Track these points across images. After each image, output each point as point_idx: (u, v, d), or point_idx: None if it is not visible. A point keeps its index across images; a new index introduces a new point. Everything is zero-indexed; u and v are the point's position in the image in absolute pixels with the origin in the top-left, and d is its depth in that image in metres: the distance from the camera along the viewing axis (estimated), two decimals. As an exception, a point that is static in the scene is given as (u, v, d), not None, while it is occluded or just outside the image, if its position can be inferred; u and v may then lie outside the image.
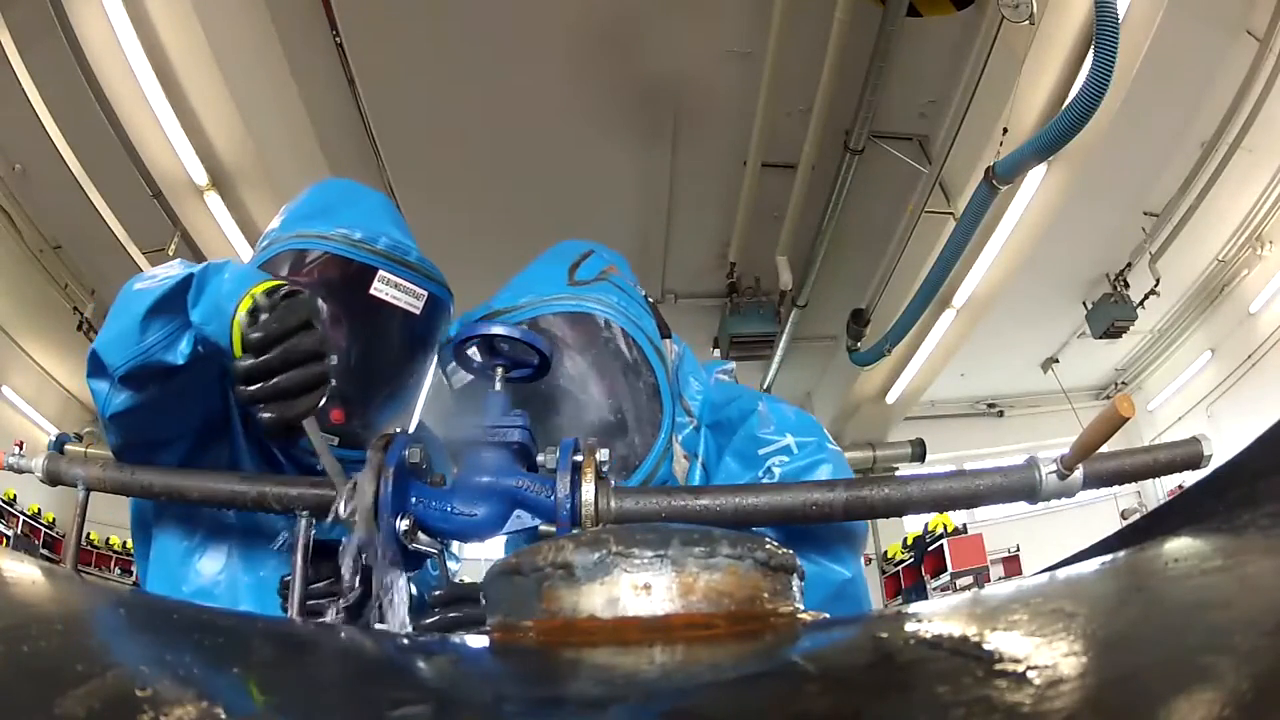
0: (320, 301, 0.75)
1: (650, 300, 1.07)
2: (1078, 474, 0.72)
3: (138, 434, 0.89)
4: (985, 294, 5.36)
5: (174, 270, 0.79)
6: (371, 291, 0.95)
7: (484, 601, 0.43)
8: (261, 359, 0.71)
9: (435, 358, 1.05)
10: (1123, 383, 8.80)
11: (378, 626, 0.73)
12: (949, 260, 4.56)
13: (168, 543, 0.99)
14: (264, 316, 0.71)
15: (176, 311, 0.76)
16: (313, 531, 0.82)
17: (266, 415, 0.72)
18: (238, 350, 0.71)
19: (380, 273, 0.95)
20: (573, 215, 5.52)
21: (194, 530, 0.99)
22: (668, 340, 1.04)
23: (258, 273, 0.76)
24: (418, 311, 0.98)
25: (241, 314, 0.71)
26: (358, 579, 0.73)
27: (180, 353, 0.77)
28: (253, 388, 0.71)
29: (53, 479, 0.96)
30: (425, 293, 0.98)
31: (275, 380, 0.71)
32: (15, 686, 0.25)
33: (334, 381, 0.88)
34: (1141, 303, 6.51)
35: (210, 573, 0.97)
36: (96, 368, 0.82)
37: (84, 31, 3.39)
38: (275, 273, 0.94)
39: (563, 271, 1.02)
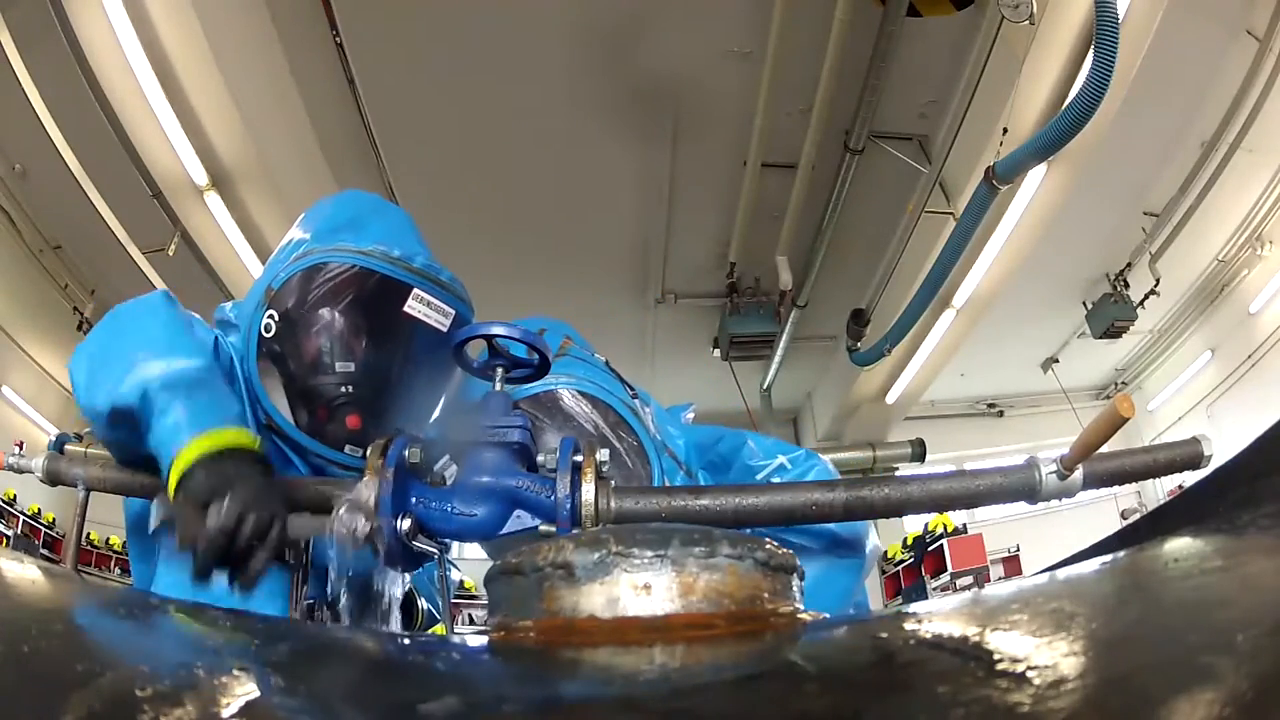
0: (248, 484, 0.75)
1: (609, 364, 1.12)
2: (1078, 474, 0.72)
3: (112, 440, 0.91)
4: (985, 294, 5.36)
5: (134, 330, 0.85)
6: (405, 308, 0.98)
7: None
8: (210, 561, 0.72)
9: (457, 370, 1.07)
10: (1123, 383, 8.79)
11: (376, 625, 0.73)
12: (949, 260, 4.56)
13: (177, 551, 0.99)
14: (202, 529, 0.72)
15: (134, 424, 0.80)
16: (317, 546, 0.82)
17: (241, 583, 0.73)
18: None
19: (415, 290, 0.98)
20: (572, 215, 5.52)
21: None
22: (637, 399, 1.08)
23: (193, 422, 0.77)
24: (445, 329, 1.00)
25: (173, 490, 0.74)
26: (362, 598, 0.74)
27: (148, 446, 0.80)
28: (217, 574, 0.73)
29: (53, 479, 0.96)
30: (453, 311, 1.01)
31: (232, 563, 0.73)
32: (15, 686, 0.25)
33: (351, 389, 0.89)
34: (1141, 303, 6.51)
35: (220, 581, 0.98)
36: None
37: (84, 31, 3.39)
38: (311, 281, 0.96)
39: None
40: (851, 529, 1.02)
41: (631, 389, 1.09)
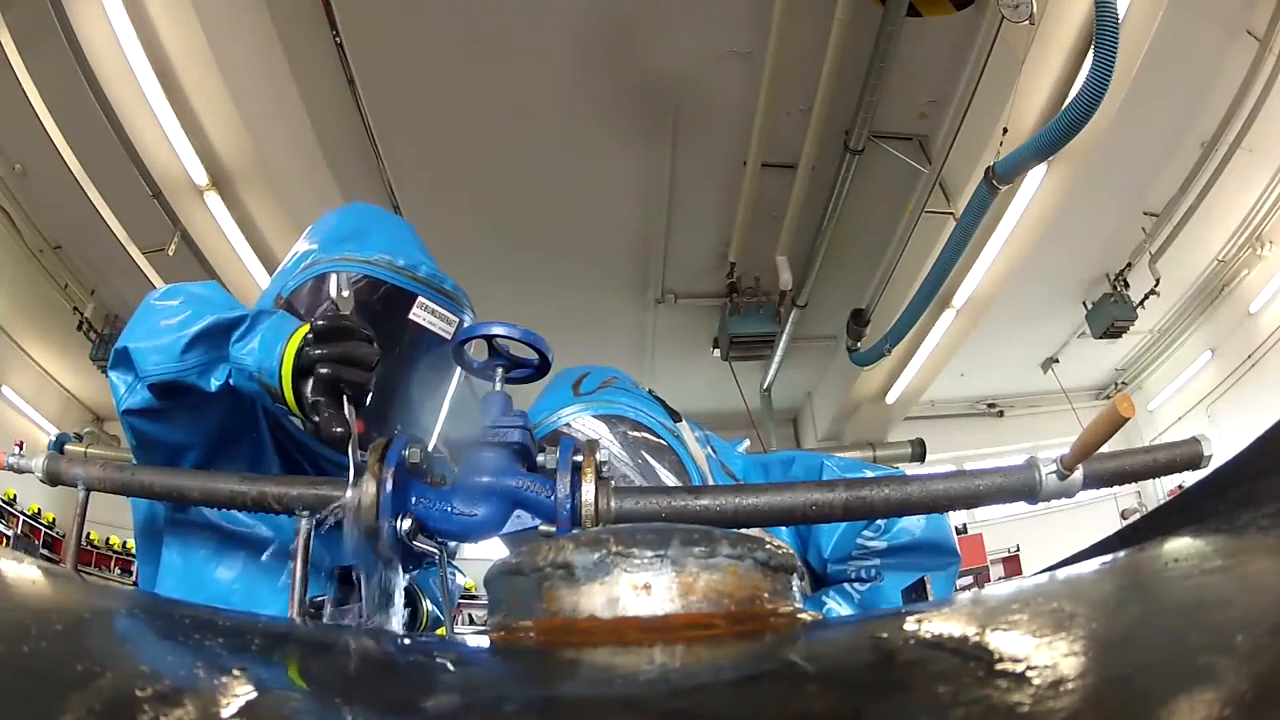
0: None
1: (652, 393, 1.15)
2: (1078, 474, 0.72)
3: (148, 434, 0.91)
4: (985, 294, 5.36)
5: (198, 292, 0.87)
6: (410, 316, 1.00)
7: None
8: (333, 325, 0.78)
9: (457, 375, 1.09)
10: (1123, 383, 8.79)
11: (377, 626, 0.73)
12: (949, 260, 4.56)
13: (184, 550, 1.00)
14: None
15: (218, 344, 0.82)
16: (313, 536, 0.82)
17: (325, 371, 0.77)
18: (288, 365, 0.78)
19: (420, 299, 1.00)
20: (573, 216, 5.52)
21: (210, 538, 1.00)
22: (682, 423, 1.11)
23: (285, 323, 0.83)
24: (449, 337, 1.02)
25: (301, 337, 0.79)
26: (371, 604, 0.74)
27: (212, 381, 0.83)
28: (319, 350, 0.78)
29: (53, 479, 0.95)
30: (457, 319, 1.03)
31: (341, 344, 0.78)
32: (15, 686, 0.25)
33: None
34: (1141, 303, 6.51)
35: (227, 580, 0.98)
36: (122, 362, 0.86)
37: (84, 32, 3.39)
38: (321, 291, 0.99)
39: (567, 389, 1.10)
40: (938, 530, 1.07)
41: (676, 415, 1.12)
